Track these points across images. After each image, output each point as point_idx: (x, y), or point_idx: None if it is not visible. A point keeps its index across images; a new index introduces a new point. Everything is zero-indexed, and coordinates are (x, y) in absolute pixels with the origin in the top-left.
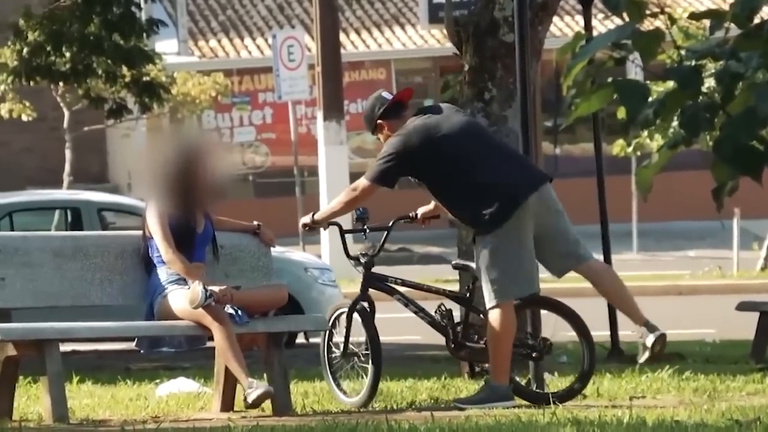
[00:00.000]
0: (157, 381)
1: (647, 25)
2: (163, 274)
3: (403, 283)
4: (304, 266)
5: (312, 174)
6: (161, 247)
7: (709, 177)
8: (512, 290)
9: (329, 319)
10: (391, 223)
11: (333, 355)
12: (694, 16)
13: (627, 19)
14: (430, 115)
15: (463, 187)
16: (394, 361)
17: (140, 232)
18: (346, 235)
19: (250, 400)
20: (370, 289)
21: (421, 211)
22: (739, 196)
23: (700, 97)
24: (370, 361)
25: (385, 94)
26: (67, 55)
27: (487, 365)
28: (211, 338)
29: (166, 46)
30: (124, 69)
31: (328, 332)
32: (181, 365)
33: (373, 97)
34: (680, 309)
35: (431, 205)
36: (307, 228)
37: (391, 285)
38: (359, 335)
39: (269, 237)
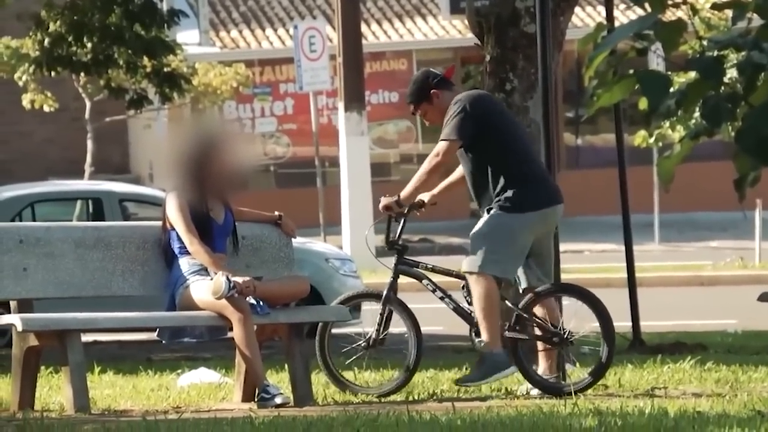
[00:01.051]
0: (179, 371)
1: (669, 15)
2: (185, 264)
3: (433, 270)
4: (326, 257)
5: (333, 165)
6: (185, 239)
7: (731, 167)
8: (493, 268)
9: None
10: (406, 211)
11: (342, 345)
12: (717, 7)
13: (649, 10)
14: (484, 93)
15: (511, 162)
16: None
17: (161, 223)
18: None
19: (268, 405)
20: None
21: (426, 197)
22: (761, 186)
23: (722, 88)
24: (414, 349)
25: (434, 69)
26: (89, 45)
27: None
28: (232, 329)
29: (187, 36)
30: (145, 59)
31: (324, 325)
32: (203, 355)
33: (422, 71)
34: (702, 300)
35: (435, 191)
36: (390, 212)
37: (421, 270)
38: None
39: (291, 227)
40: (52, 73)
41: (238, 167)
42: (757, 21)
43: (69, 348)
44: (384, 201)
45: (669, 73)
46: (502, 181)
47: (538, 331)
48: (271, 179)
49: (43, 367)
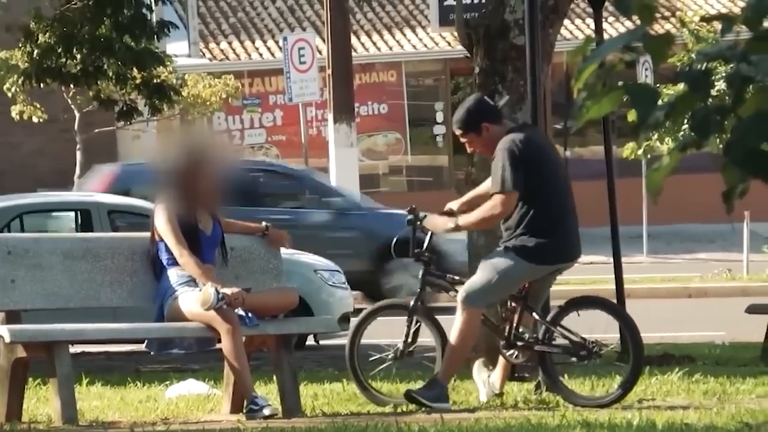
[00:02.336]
0: (167, 383)
1: (658, 28)
2: (173, 276)
3: (460, 282)
4: (314, 268)
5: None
6: (175, 251)
7: (719, 180)
8: (486, 301)
9: (361, 319)
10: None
11: (372, 356)
12: (705, 19)
13: (638, 22)
14: (535, 132)
15: (541, 212)
16: (405, 363)
17: (150, 234)
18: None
19: (256, 416)
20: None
21: (455, 205)
22: (749, 199)
23: (711, 100)
24: (441, 354)
25: (488, 98)
26: (78, 57)
27: (522, 360)
28: (221, 340)
29: (176, 48)
30: (135, 71)
31: (354, 332)
32: (191, 367)
33: (478, 98)
34: (690, 311)
35: (463, 199)
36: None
37: (447, 282)
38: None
39: (280, 237)
40: (42, 85)
41: (227, 179)
42: (745, 33)
43: (57, 359)
44: (443, 225)
45: (658, 85)
46: (526, 226)
47: (565, 344)
48: None
49: (30, 379)
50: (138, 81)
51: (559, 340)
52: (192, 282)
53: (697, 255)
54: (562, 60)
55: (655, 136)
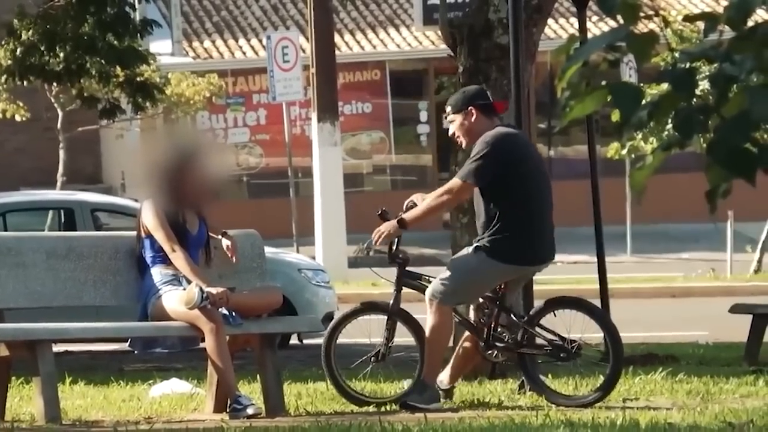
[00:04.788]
0: (150, 382)
1: (642, 27)
2: (157, 274)
3: None
4: (298, 267)
5: (306, 175)
6: (165, 245)
7: (702, 179)
8: (453, 299)
9: (335, 322)
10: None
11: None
12: (689, 19)
13: (621, 22)
14: (520, 133)
15: (515, 211)
16: (387, 362)
17: (134, 233)
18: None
19: (239, 416)
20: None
21: (419, 198)
22: (733, 198)
23: (694, 100)
24: (422, 355)
25: (490, 94)
26: (61, 55)
27: (501, 360)
28: (204, 339)
29: (160, 46)
30: (118, 69)
31: (330, 334)
32: (174, 366)
33: (479, 87)
34: (673, 311)
35: (429, 195)
36: (392, 239)
37: (423, 283)
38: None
39: (230, 245)
40: (25, 83)
41: (211, 178)
42: (728, 33)
43: (40, 358)
44: (388, 229)
45: (641, 84)
46: (499, 224)
47: (545, 345)
48: (244, 190)
49: (13, 378)
50: (121, 79)
51: (539, 341)
52: (176, 281)
53: (681, 255)
54: (545, 59)
55: (639, 136)
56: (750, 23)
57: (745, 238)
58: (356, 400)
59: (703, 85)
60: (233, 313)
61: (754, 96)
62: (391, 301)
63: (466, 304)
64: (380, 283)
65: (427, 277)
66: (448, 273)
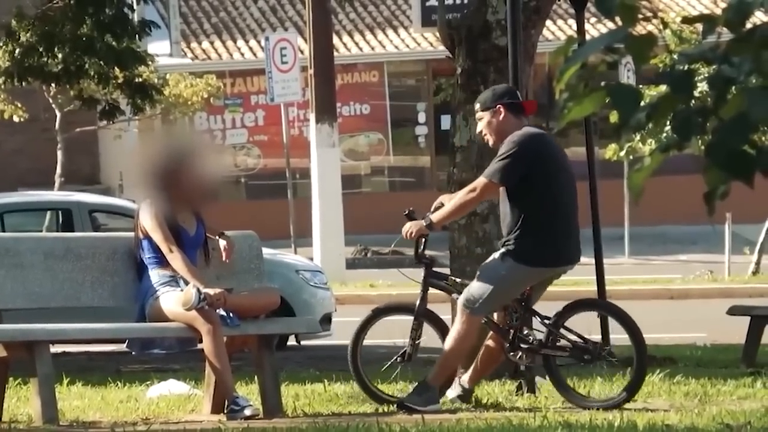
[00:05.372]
0: (148, 383)
1: (640, 29)
2: (155, 275)
3: (461, 284)
4: (296, 268)
5: (304, 176)
6: (163, 246)
7: (701, 181)
8: (487, 309)
9: (362, 322)
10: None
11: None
12: (687, 21)
13: (620, 23)
14: (547, 134)
15: (541, 213)
16: (385, 364)
17: (132, 234)
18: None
19: (237, 417)
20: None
21: (447, 199)
22: (731, 200)
23: (693, 102)
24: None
25: (519, 94)
26: (60, 56)
27: (528, 362)
28: (202, 340)
29: (158, 47)
30: (116, 70)
31: (356, 335)
32: (172, 367)
33: (509, 86)
34: (671, 313)
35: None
36: (420, 238)
37: (450, 285)
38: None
39: (226, 246)
40: (23, 84)
41: (209, 178)
42: (727, 35)
43: (37, 359)
44: (414, 227)
45: (640, 86)
46: (524, 225)
47: (569, 347)
48: (242, 191)
49: (11, 378)
50: (120, 80)
51: (563, 343)
52: (173, 282)
53: (679, 256)
54: (544, 61)
55: (637, 138)
56: (748, 25)
57: (743, 240)
58: (381, 400)
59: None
60: (231, 314)
61: (752, 98)
62: (418, 302)
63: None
64: (378, 284)
65: (453, 279)
66: (479, 283)
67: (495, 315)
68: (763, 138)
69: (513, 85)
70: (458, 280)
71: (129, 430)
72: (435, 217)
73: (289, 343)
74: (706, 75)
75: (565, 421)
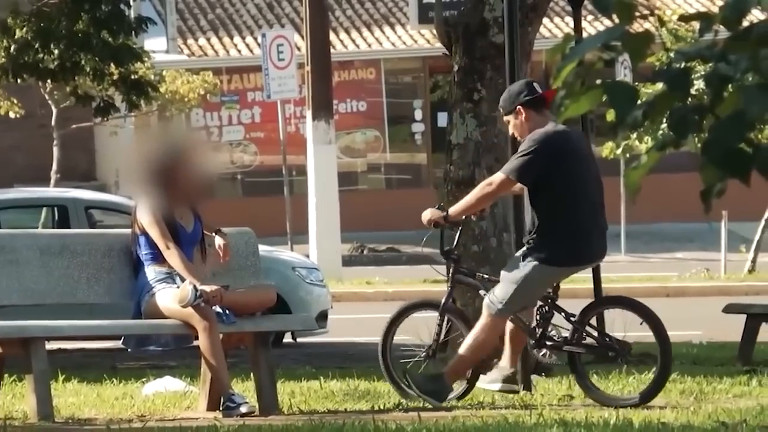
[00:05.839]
0: (144, 380)
1: (637, 26)
2: (151, 272)
3: (489, 280)
4: (292, 265)
5: (300, 173)
6: (160, 243)
7: (697, 179)
8: (511, 310)
9: (391, 318)
10: (464, 217)
11: (403, 354)
12: (684, 18)
13: (616, 21)
14: (571, 130)
15: (563, 213)
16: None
17: (128, 231)
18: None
19: (233, 414)
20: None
21: None
22: (727, 198)
23: (689, 99)
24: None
25: (536, 86)
26: (55, 52)
27: (554, 360)
28: (198, 337)
29: (154, 44)
30: (112, 67)
31: (386, 331)
32: (168, 364)
33: (524, 82)
34: (667, 311)
35: None
36: (434, 225)
37: (478, 281)
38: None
39: (222, 243)
40: (19, 80)
41: (205, 175)
42: (723, 33)
43: (33, 356)
44: (430, 215)
45: (636, 84)
46: (547, 226)
47: (594, 344)
48: (238, 187)
49: (6, 375)
50: (115, 77)
51: (588, 340)
52: (170, 279)
53: (675, 254)
54: (541, 58)
55: (634, 135)
56: (745, 23)
57: (739, 238)
58: (409, 396)
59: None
60: (227, 311)
61: (748, 96)
62: (444, 298)
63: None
64: (374, 282)
65: (481, 275)
66: (503, 284)
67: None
68: (760, 136)
69: (528, 79)
70: (486, 276)
71: (124, 427)
72: (452, 209)
73: (285, 340)
74: (703, 73)
75: (560, 419)
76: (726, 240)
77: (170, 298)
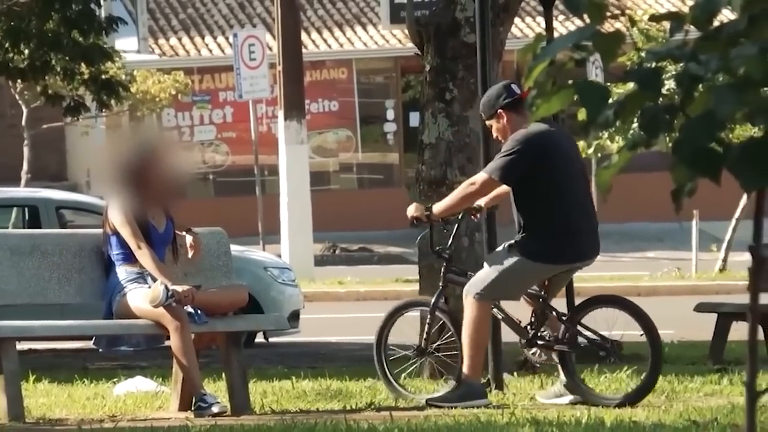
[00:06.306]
0: (115, 380)
1: (608, 26)
2: (122, 272)
3: None
4: (264, 265)
5: (272, 173)
6: (131, 242)
7: (668, 178)
8: (491, 296)
9: (385, 317)
10: (460, 216)
11: (393, 353)
12: (655, 18)
13: (588, 21)
14: (554, 129)
15: (550, 212)
16: (353, 361)
17: (100, 231)
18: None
19: (204, 414)
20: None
21: (483, 202)
22: (698, 198)
23: (660, 99)
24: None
25: (514, 87)
26: (26, 51)
27: (544, 359)
28: (170, 337)
29: (126, 43)
30: (83, 66)
31: (380, 330)
32: (139, 364)
33: (501, 85)
34: None
35: (491, 195)
36: (416, 222)
37: (468, 281)
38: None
39: (193, 242)
40: None
41: (176, 175)
42: (694, 33)
43: (3, 356)
44: (414, 211)
45: (608, 83)
46: (534, 225)
47: (585, 343)
48: (210, 187)
49: None
50: (86, 76)
51: (580, 339)
52: (141, 279)
53: (647, 254)
54: (512, 58)
55: (605, 135)
56: (716, 23)
57: (710, 237)
58: (402, 396)
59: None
60: (199, 311)
61: (719, 95)
62: (435, 296)
63: (507, 300)
64: (346, 282)
65: (472, 275)
66: (483, 269)
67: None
68: (730, 135)
69: (506, 81)
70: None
71: (96, 428)
72: (435, 206)
73: (257, 340)
74: (674, 73)
75: (532, 418)
76: (697, 239)
77: (142, 298)
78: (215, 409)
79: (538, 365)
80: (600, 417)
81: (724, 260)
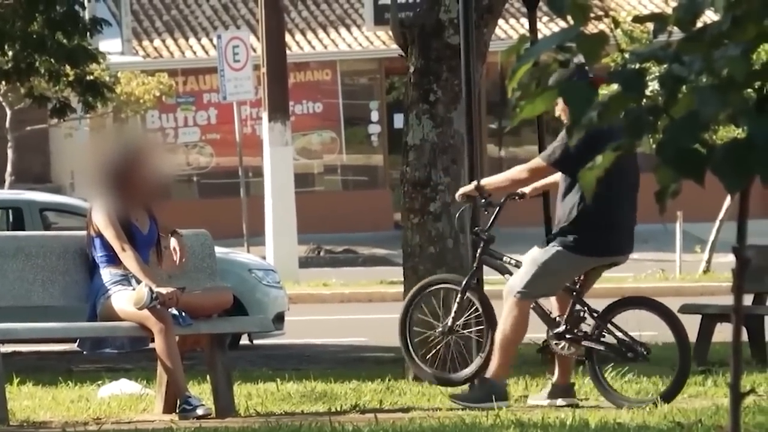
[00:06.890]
0: (99, 382)
1: (592, 28)
2: (106, 274)
3: (517, 264)
4: (249, 267)
5: (257, 175)
6: (115, 244)
7: (652, 180)
8: (533, 295)
9: (412, 293)
10: (503, 200)
11: (418, 331)
12: (638, 20)
13: (571, 22)
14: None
15: (595, 199)
16: (338, 363)
17: (83, 233)
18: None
19: (189, 416)
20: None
21: (528, 189)
22: (682, 199)
23: (644, 101)
24: (489, 341)
25: (588, 70)
26: (10, 53)
27: (572, 351)
28: (154, 340)
29: (110, 45)
30: (68, 68)
31: (406, 307)
32: (124, 367)
33: (575, 67)
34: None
35: (537, 184)
36: (465, 199)
37: (505, 264)
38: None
39: (178, 244)
40: None
41: (160, 177)
42: (677, 34)
43: None
44: (464, 189)
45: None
46: (577, 217)
47: (614, 342)
48: (194, 189)
49: None
50: (71, 78)
51: (608, 338)
52: (125, 281)
53: (631, 255)
54: (496, 59)
55: None
56: (699, 24)
57: (694, 239)
58: (427, 376)
59: (653, 85)
60: (183, 314)
61: (702, 97)
62: (467, 276)
63: (547, 296)
64: (331, 283)
65: (509, 258)
66: (524, 267)
67: (554, 303)
68: (714, 137)
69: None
70: (513, 260)
71: (80, 430)
72: (485, 180)
73: (241, 342)
74: (657, 74)
75: (517, 420)
76: (681, 240)
77: (126, 300)
78: (200, 412)
79: (575, 357)
80: (584, 419)
81: (708, 261)
